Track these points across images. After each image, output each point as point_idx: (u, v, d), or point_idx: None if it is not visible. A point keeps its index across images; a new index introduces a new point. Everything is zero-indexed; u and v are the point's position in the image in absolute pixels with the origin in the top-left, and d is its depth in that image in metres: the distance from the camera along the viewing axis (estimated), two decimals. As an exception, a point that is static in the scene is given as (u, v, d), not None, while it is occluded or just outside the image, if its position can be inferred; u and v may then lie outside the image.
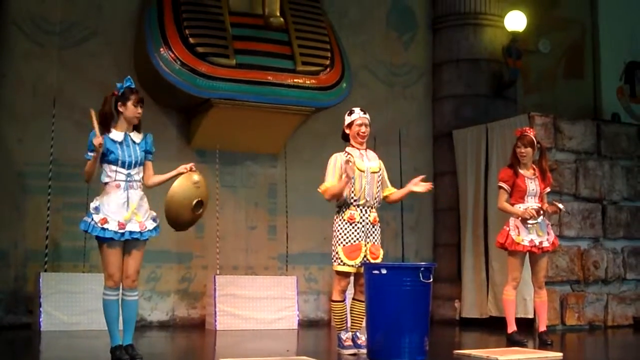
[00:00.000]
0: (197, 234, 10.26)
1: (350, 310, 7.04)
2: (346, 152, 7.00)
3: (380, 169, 6.99)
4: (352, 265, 6.76)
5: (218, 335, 9.09)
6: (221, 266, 10.02)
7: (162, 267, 10.11)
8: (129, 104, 6.16)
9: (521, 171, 8.05)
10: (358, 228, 6.79)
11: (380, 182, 6.98)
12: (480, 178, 10.82)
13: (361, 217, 6.83)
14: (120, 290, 6.19)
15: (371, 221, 6.88)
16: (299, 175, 10.77)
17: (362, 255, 6.76)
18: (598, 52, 13.29)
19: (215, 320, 9.51)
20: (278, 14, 9.93)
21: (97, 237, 6.02)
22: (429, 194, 11.58)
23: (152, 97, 10.17)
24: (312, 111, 10.26)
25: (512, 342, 7.86)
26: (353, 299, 7.03)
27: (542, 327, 8.10)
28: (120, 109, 6.17)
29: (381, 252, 6.96)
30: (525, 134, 8.14)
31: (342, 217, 6.83)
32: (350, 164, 6.76)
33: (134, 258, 6.16)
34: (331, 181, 6.82)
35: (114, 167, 6.07)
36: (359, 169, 6.83)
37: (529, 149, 8.06)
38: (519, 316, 8.81)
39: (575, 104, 12.88)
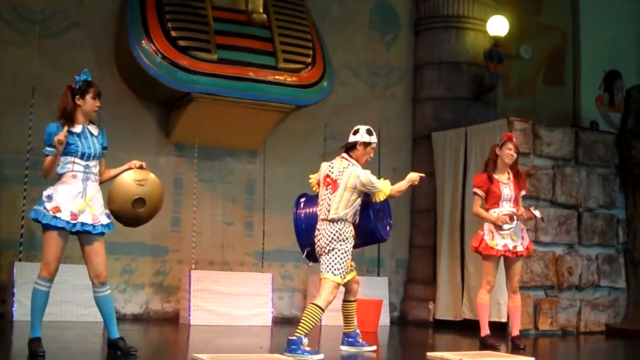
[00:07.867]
0: (173, 227, 10.24)
1: (346, 311, 7.21)
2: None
3: None
4: None
5: (192, 330, 9.04)
6: (197, 261, 9.99)
7: (137, 260, 10.07)
8: (88, 97, 6.07)
9: (496, 176, 8.09)
10: None
11: None
12: (458, 181, 10.85)
13: None
14: (92, 289, 6.17)
15: None
16: (277, 172, 10.79)
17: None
18: (578, 60, 13.40)
19: (189, 315, 9.48)
20: (261, 10, 9.93)
21: (47, 225, 5.91)
22: (407, 194, 11.69)
23: (132, 89, 10.15)
24: (292, 109, 10.25)
25: (485, 345, 7.90)
26: (345, 300, 7.15)
27: (515, 332, 8.14)
28: (79, 102, 6.07)
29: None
30: (513, 138, 8.21)
31: (350, 232, 6.76)
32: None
33: (98, 254, 6.10)
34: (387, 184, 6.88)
35: (71, 159, 6.00)
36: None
37: (516, 153, 8.13)
38: (492, 320, 8.87)
39: (555, 110, 12.96)
